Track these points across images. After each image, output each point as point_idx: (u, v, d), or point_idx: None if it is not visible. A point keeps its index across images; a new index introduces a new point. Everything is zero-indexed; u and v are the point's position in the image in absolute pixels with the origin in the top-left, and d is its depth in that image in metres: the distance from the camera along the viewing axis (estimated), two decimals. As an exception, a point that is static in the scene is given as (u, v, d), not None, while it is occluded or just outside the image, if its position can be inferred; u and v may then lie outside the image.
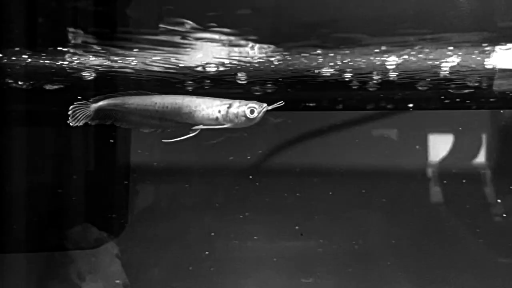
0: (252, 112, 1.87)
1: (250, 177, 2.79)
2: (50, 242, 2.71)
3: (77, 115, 1.87)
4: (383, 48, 1.90)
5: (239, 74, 2.20)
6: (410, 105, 2.54)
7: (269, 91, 2.31)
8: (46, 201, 2.73)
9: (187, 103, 1.91)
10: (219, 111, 1.89)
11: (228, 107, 1.89)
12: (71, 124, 1.85)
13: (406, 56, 1.96)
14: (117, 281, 2.73)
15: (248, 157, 2.82)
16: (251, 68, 2.16)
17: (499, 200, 2.74)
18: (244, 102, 1.88)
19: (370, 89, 2.29)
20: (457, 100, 2.42)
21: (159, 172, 2.86)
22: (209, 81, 2.28)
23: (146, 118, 1.94)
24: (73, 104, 1.85)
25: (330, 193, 2.77)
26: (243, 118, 1.87)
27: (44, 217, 2.73)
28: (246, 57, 2.07)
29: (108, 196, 2.81)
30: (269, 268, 2.80)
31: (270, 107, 1.85)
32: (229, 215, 2.82)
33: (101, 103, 1.88)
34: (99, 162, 2.77)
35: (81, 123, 1.87)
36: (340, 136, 2.79)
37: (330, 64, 2.08)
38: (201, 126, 1.90)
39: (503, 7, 1.79)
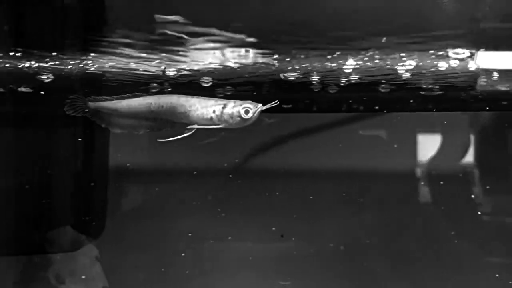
0: (247, 112, 1.87)
1: (230, 176, 2.75)
2: (29, 245, 2.70)
3: (74, 106, 1.92)
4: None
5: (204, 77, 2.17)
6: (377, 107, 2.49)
7: (228, 93, 2.27)
8: (24, 204, 2.72)
9: (182, 103, 1.92)
10: (214, 111, 1.89)
11: (223, 107, 1.89)
12: (66, 112, 1.91)
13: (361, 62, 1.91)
14: (97, 284, 2.71)
15: (236, 160, 2.78)
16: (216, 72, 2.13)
17: (478, 202, 2.67)
18: (239, 102, 1.88)
19: (331, 92, 2.24)
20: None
21: (138, 174, 2.83)
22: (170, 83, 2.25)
23: (141, 119, 1.96)
24: (71, 97, 1.91)
25: (311, 195, 2.74)
26: (238, 119, 1.87)
27: (23, 220, 2.71)
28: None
29: (87, 198, 2.79)
30: (247, 270, 2.77)
31: (265, 107, 1.86)
32: (209, 216, 2.78)
33: (98, 104, 1.93)
34: (77, 164, 2.75)
35: (78, 114, 1.93)
36: (322, 137, 2.77)
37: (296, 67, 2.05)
38: (195, 126, 1.90)
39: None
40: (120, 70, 2.14)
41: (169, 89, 2.20)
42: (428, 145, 2.79)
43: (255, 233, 2.79)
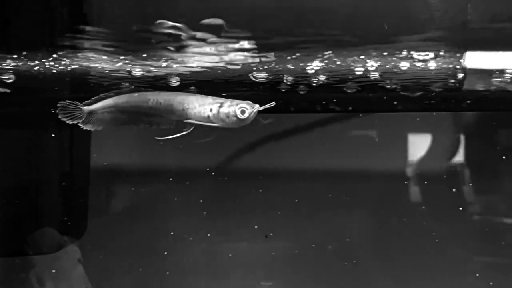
0: (243, 112, 1.86)
1: (213, 174, 2.72)
2: (10, 247, 2.67)
3: (69, 113, 1.89)
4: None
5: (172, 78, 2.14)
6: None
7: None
8: (4, 206, 2.69)
9: (180, 100, 1.91)
10: (211, 110, 1.88)
11: (220, 106, 1.88)
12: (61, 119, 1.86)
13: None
14: (79, 286, 2.68)
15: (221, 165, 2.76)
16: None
17: (467, 201, 2.66)
18: (236, 102, 1.87)
19: (301, 92, 2.21)
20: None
21: (119, 174, 2.80)
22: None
23: (139, 115, 1.94)
24: (62, 104, 1.87)
25: (298, 195, 2.72)
26: (234, 118, 1.87)
27: (3, 222, 2.68)
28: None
29: (68, 199, 2.76)
30: (228, 270, 2.74)
31: (261, 108, 1.85)
32: (193, 216, 2.75)
33: (93, 106, 1.90)
34: (58, 165, 2.72)
35: (74, 122, 1.90)
36: (310, 138, 2.74)
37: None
38: (193, 122, 1.88)
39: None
40: (87, 69, 2.10)
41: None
42: (418, 145, 2.77)
43: (239, 233, 2.76)
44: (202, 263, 2.77)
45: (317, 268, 2.73)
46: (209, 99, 1.90)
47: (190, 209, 2.75)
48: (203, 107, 1.89)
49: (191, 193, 2.76)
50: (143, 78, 2.15)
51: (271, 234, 2.72)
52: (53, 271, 2.67)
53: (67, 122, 1.89)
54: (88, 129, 1.95)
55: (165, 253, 2.75)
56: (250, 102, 1.88)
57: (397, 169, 2.77)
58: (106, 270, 2.75)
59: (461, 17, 1.72)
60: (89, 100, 1.91)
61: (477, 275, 2.67)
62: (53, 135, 2.63)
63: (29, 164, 2.70)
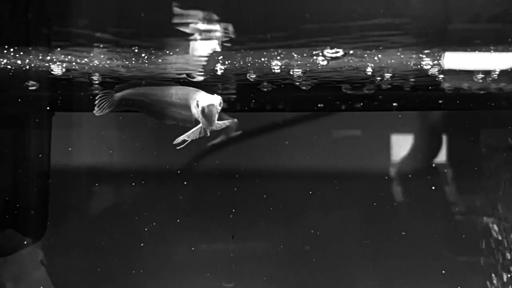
0: (197, 105, 1.68)
1: (179, 171, 2.66)
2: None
3: (102, 104, 1.79)
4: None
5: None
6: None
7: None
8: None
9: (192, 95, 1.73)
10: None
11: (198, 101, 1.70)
12: (96, 114, 1.79)
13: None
14: (42, 288, 2.60)
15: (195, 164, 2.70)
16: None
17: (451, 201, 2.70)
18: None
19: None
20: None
21: (82, 172, 2.71)
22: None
23: (165, 109, 1.80)
24: (99, 94, 1.79)
25: (277, 194, 2.66)
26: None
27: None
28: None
29: (28, 198, 2.66)
30: (192, 272, 2.69)
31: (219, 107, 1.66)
32: (159, 217, 2.69)
33: (123, 92, 1.81)
34: (16, 163, 2.62)
35: (105, 112, 1.81)
36: (290, 136, 2.68)
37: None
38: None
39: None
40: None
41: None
42: (400, 145, 2.76)
43: (210, 234, 2.72)
44: (165, 263, 2.72)
45: (291, 269, 2.71)
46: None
47: (156, 209, 2.70)
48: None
49: (161, 194, 2.70)
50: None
51: (235, 235, 2.69)
52: (14, 273, 2.57)
53: (98, 112, 1.80)
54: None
55: (131, 254, 2.70)
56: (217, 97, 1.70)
57: (379, 168, 2.75)
58: (69, 271, 2.67)
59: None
60: (120, 86, 1.84)
61: (460, 274, 2.68)
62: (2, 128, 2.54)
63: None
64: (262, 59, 1.92)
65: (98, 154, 2.72)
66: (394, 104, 2.50)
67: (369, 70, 2.04)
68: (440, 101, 2.51)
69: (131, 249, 2.69)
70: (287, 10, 1.74)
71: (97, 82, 2.14)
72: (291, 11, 1.72)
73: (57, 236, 2.66)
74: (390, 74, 2.08)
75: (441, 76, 2.12)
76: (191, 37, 1.84)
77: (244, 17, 1.77)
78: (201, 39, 1.85)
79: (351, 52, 1.83)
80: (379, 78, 2.14)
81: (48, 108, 2.59)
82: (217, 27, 1.79)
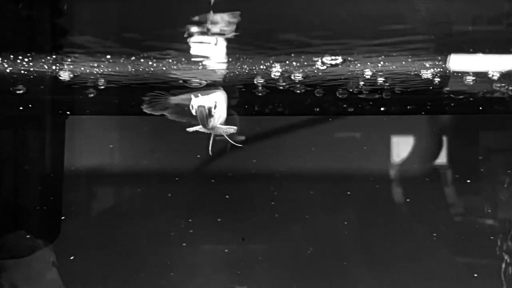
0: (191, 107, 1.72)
1: (189, 174, 2.70)
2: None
3: (154, 103, 1.82)
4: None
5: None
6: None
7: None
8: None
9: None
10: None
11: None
12: (145, 110, 1.81)
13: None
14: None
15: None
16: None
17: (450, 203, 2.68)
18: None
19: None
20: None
21: (96, 175, 2.74)
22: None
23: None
24: (154, 93, 1.81)
25: (280, 197, 2.70)
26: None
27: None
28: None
29: (41, 200, 2.69)
30: (203, 274, 2.72)
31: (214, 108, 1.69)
32: (170, 219, 2.70)
33: (179, 97, 1.83)
34: (31, 165, 2.65)
35: (155, 113, 1.83)
36: (294, 139, 2.72)
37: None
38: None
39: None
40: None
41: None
42: (401, 147, 2.77)
43: (218, 236, 2.72)
44: (179, 265, 2.74)
45: (295, 271, 2.72)
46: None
47: (167, 211, 2.71)
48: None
49: (171, 196, 2.71)
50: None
51: (244, 239, 2.70)
52: (27, 275, 2.60)
53: (148, 110, 1.83)
54: (172, 119, 1.87)
55: (140, 255, 2.73)
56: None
57: (379, 170, 2.77)
58: (81, 273, 2.69)
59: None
60: (176, 91, 1.86)
61: (461, 276, 2.70)
62: (17, 130, 2.57)
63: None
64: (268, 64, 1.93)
65: (109, 156, 2.76)
66: (407, 107, 2.50)
67: (380, 80, 2.05)
68: (447, 106, 2.49)
69: (142, 250, 2.73)
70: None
71: (102, 87, 2.16)
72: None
73: (69, 239, 2.68)
74: (396, 80, 2.08)
75: (443, 80, 2.10)
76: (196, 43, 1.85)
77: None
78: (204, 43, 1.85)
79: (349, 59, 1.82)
80: (386, 83, 2.13)
81: (61, 111, 2.62)
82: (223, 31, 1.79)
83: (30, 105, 2.50)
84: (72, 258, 2.58)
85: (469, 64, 2.01)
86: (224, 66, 2.00)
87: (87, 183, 2.74)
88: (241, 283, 2.69)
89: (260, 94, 2.19)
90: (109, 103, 2.45)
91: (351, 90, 2.18)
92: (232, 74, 2.00)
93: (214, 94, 1.79)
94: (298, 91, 2.15)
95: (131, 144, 2.76)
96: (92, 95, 2.21)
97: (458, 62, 1.99)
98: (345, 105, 2.46)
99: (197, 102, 1.70)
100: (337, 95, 2.26)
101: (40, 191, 2.68)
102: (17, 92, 2.25)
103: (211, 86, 1.95)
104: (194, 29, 1.73)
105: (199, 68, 1.95)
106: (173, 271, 2.73)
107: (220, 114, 1.76)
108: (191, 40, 1.80)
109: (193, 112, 1.72)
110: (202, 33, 1.77)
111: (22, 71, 1.97)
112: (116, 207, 2.79)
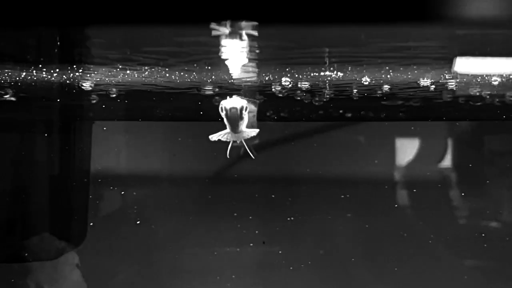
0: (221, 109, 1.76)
1: (207, 180, 2.72)
2: (7, 253, 2.65)
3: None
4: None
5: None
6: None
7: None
8: (2, 210, 2.67)
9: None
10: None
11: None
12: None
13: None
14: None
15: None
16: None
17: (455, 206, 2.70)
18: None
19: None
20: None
21: (120, 179, 2.77)
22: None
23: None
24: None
25: (293, 200, 2.72)
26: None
27: (1, 227, 2.67)
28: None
29: (68, 204, 2.74)
30: (227, 277, 2.73)
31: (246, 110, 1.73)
32: (190, 221, 2.74)
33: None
34: (57, 169, 2.70)
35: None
36: (303, 144, 2.74)
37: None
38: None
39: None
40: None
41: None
42: (406, 150, 2.77)
43: (236, 239, 2.74)
44: (196, 268, 2.76)
45: (309, 274, 2.72)
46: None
47: (189, 215, 2.74)
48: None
49: (187, 198, 2.74)
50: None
51: (264, 242, 2.71)
52: (52, 277, 2.64)
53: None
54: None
55: (162, 256, 2.76)
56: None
57: (386, 174, 2.77)
58: (105, 275, 2.73)
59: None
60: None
61: (465, 277, 2.70)
62: (45, 135, 2.61)
63: (27, 168, 2.68)
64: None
65: (133, 160, 2.79)
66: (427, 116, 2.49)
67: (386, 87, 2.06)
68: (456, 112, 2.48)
69: (169, 254, 2.75)
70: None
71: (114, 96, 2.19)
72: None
73: (94, 242, 2.72)
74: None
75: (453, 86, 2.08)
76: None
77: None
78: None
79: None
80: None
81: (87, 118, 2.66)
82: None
83: (59, 112, 2.56)
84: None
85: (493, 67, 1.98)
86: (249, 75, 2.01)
87: (112, 188, 2.78)
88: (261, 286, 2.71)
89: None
90: (132, 108, 2.48)
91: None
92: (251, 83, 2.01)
93: (239, 98, 1.81)
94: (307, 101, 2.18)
95: (154, 149, 2.78)
96: (117, 100, 2.24)
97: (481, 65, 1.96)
98: (363, 112, 2.48)
99: (229, 104, 1.74)
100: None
101: (68, 195, 2.72)
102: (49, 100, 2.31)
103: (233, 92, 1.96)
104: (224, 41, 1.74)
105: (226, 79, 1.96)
106: (193, 274, 2.75)
107: (246, 117, 1.79)
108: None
109: (223, 115, 1.74)
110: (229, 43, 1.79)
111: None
112: (139, 211, 2.82)
